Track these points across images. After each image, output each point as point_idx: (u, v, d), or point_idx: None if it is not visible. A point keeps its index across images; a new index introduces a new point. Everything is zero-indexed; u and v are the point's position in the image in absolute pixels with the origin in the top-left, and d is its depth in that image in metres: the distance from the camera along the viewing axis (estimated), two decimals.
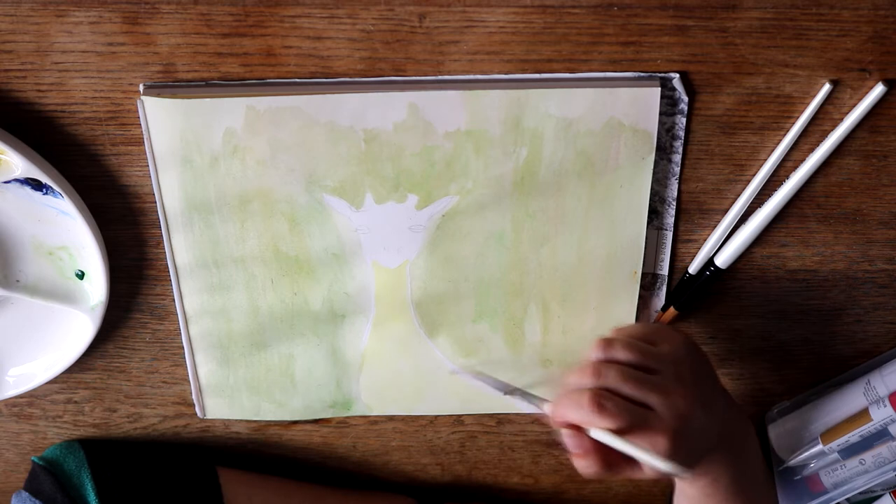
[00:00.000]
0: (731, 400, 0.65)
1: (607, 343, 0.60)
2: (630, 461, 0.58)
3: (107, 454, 0.74)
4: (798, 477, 0.71)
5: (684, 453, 0.57)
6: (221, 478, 0.76)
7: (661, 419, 0.57)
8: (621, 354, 0.59)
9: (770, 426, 0.74)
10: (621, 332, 0.61)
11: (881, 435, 0.67)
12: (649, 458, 0.56)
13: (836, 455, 0.69)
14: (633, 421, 0.56)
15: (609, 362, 0.58)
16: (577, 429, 0.58)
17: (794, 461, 0.71)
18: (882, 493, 0.70)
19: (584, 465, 0.58)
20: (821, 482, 0.70)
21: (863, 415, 0.67)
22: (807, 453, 0.70)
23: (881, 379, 0.68)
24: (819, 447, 0.69)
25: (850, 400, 0.69)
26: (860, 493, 0.69)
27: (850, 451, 0.68)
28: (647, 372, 0.58)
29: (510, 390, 0.68)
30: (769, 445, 0.73)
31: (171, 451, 0.78)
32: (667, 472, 0.57)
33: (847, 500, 0.70)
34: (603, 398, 0.56)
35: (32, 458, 0.73)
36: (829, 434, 0.69)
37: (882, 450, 0.67)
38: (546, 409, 0.61)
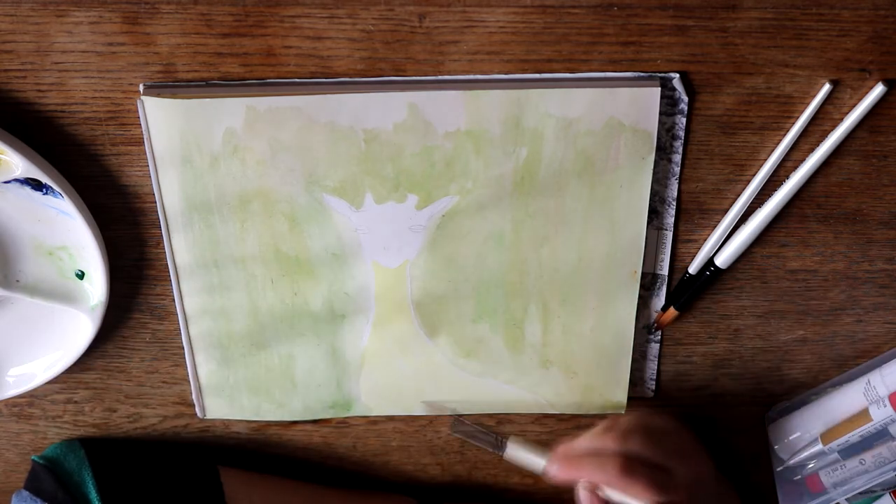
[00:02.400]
0: (722, 477, 0.69)
1: (613, 423, 0.63)
2: None
3: (107, 452, 0.74)
4: (798, 477, 0.71)
5: None
6: (223, 476, 0.76)
7: (678, 484, 0.60)
8: (630, 429, 0.62)
9: (770, 426, 0.74)
10: (618, 421, 0.64)
11: (881, 435, 0.67)
12: None
13: (836, 455, 0.69)
14: (658, 485, 0.59)
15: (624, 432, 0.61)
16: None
17: (793, 461, 0.71)
18: (882, 492, 0.70)
19: None
20: (821, 482, 0.70)
21: (863, 415, 0.67)
22: (807, 453, 0.70)
23: (881, 379, 0.68)
24: (819, 447, 0.69)
25: (850, 400, 0.69)
26: (860, 493, 0.69)
27: (850, 451, 0.68)
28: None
29: (498, 443, 0.68)
30: (769, 445, 0.73)
31: (171, 450, 0.78)
32: None
33: (847, 500, 0.70)
34: (631, 462, 0.59)
35: (32, 457, 0.73)
36: (829, 434, 0.69)
37: (882, 450, 0.67)
38: (543, 464, 0.63)
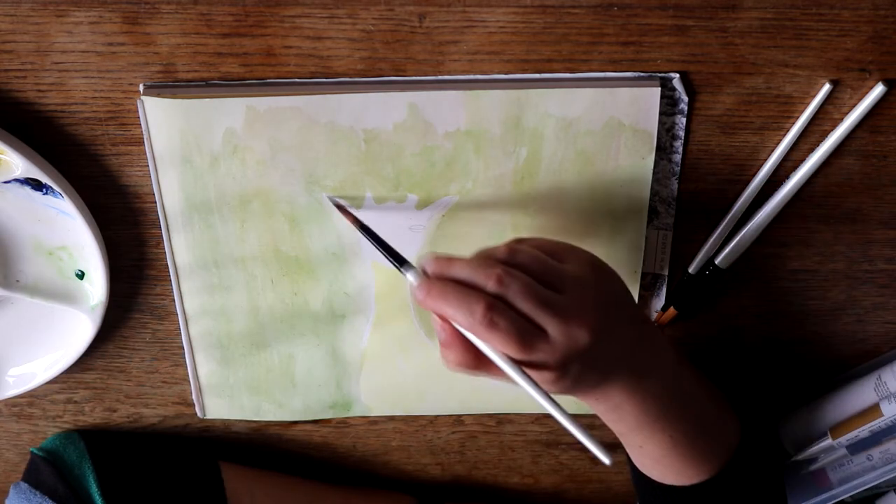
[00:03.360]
0: (653, 329, 0.61)
1: (513, 249, 0.54)
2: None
3: (108, 446, 0.74)
4: (805, 472, 0.71)
5: (570, 382, 0.53)
6: (224, 471, 0.76)
7: (552, 347, 0.52)
8: (526, 264, 0.53)
9: (779, 421, 0.74)
10: (527, 242, 0.56)
11: (890, 431, 0.67)
12: (525, 385, 0.52)
13: (843, 450, 0.69)
14: (523, 343, 0.51)
15: (512, 268, 0.53)
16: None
17: (802, 455, 0.71)
18: (887, 489, 0.70)
19: (450, 358, 0.54)
20: (827, 477, 0.69)
21: (873, 410, 0.67)
22: (815, 447, 0.70)
23: (892, 375, 0.67)
24: (828, 441, 0.69)
25: (860, 395, 0.69)
26: (865, 490, 0.69)
27: (858, 447, 0.68)
28: (549, 288, 0.53)
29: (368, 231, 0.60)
30: (778, 439, 0.73)
31: (173, 444, 0.77)
32: (539, 397, 0.53)
33: (851, 497, 0.70)
34: (497, 313, 0.51)
35: (31, 448, 0.73)
36: (838, 429, 0.69)
37: (890, 445, 0.67)
38: (415, 284, 0.54)
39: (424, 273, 0.55)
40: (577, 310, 0.53)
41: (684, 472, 0.64)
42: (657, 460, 0.63)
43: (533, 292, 0.52)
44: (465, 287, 0.53)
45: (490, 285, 0.52)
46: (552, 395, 0.53)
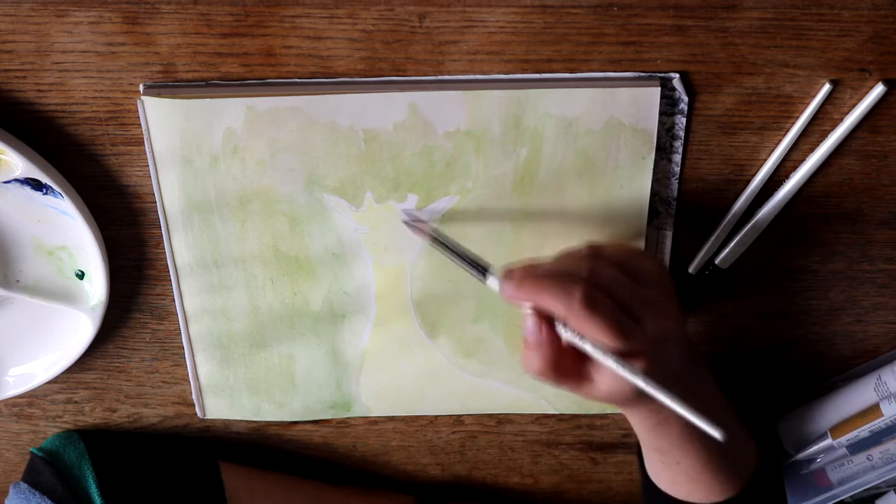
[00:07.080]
0: (696, 346, 0.61)
1: (596, 248, 0.55)
2: (580, 377, 0.54)
3: (107, 446, 0.74)
4: (805, 471, 0.71)
5: (658, 375, 0.52)
6: (223, 471, 0.76)
7: (645, 336, 0.52)
8: (609, 262, 0.54)
9: (779, 420, 0.74)
10: (601, 247, 0.56)
11: (890, 431, 0.67)
12: (623, 372, 0.51)
13: (843, 450, 0.69)
14: (620, 329, 0.51)
15: (602, 262, 0.53)
16: (540, 315, 0.53)
17: (801, 455, 0.71)
18: (887, 489, 0.70)
19: (531, 360, 0.53)
20: (827, 477, 0.70)
21: (873, 410, 0.67)
22: (815, 447, 0.70)
23: (892, 375, 0.68)
24: (828, 441, 0.69)
25: (860, 395, 0.69)
26: (865, 490, 0.69)
27: (858, 447, 0.68)
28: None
29: (443, 241, 0.60)
30: (778, 439, 0.73)
31: (172, 444, 0.78)
32: (639, 390, 0.52)
33: (851, 497, 0.70)
34: (597, 296, 0.51)
35: (31, 448, 0.73)
36: (838, 429, 0.69)
37: (890, 445, 0.67)
38: (492, 280, 0.55)
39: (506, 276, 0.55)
40: (664, 302, 0.54)
41: (714, 489, 0.64)
42: (691, 477, 0.64)
43: (625, 283, 0.53)
44: (559, 275, 0.52)
45: (584, 273, 0.52)
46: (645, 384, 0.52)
